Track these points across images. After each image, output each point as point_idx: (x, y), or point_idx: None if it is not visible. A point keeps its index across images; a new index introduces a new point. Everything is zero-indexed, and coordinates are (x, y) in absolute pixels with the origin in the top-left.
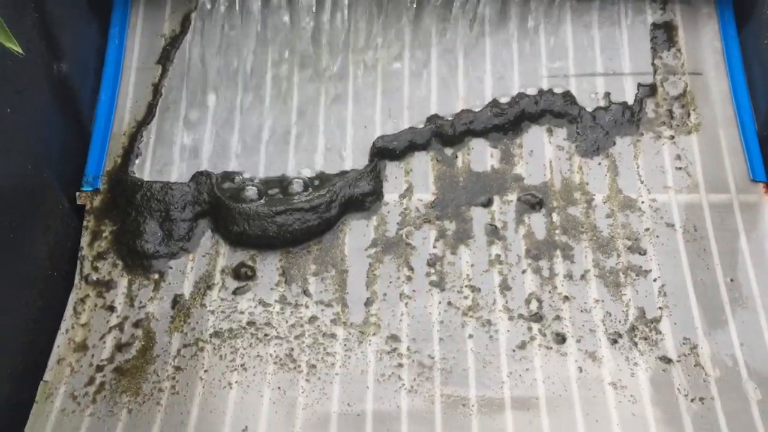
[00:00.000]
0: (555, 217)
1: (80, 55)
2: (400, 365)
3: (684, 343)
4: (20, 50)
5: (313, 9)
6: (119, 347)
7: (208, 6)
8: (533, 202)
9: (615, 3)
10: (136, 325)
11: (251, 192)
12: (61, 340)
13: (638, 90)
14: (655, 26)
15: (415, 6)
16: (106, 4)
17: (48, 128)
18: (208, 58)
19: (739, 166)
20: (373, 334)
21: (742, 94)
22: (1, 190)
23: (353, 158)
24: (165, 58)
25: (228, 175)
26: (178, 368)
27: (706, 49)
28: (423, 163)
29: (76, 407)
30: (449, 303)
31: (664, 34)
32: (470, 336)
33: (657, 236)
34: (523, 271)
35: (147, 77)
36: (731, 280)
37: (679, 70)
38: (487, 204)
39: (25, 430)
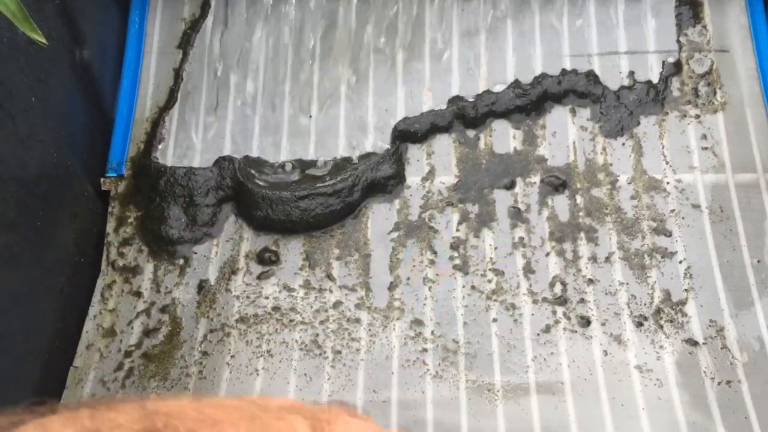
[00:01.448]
0: (579, 198)
1: (101, 41)
2: (425, 350)
3: (710, 326)
4: (44, 40)
5: None
6: (147, 333)
7: None
8: (557, 183)
9: None
10: (163, 310)
11: (274, 176)
12: (89, 325)
13: (663, 68)
14: (680, 2)
15: None
16: None
17: (71, 115)
18: (229, 42)
19: (766, 145)
20: (397, 319)
21: None
22: (28, 178)
23: (375, 141)
24: (185, 43)
25: (250, 160)
26: (204, 353)
27: (732, 26)
28: (445, 146)
29: (105, 392)
30: (473, 287)
31: (690, 11)
32: (494, 320)
33: (683, 217)
34: (547, 254)
35: (168, 62)
36: (758, 261)
37: (705, 47)
38: (510, 186)
39: None
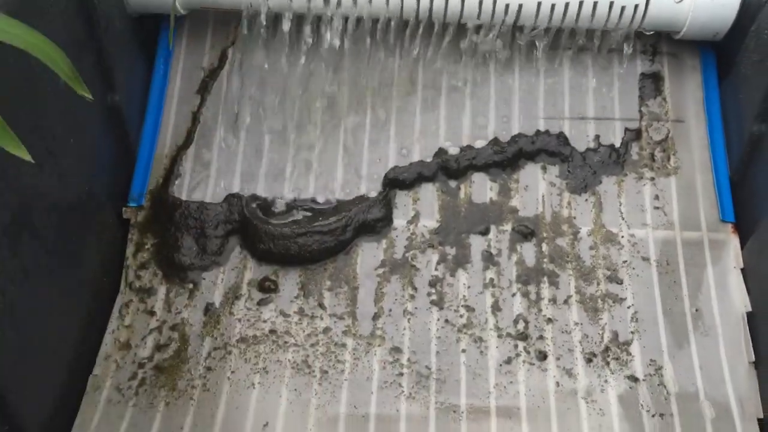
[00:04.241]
0: (544, 246)
1: (129, 87)
2: (401, 374)
3: (650, 365)
4: (90, 96)
5: (336, 53)
6: (158, 347)
7: (245, 42)
8: (526, 232)
9: (609, 53)
10: (173, 328)
11: (276, 214)
12: (108, 339)
13: (625, 134)
14: (644, 76)
15: (429, 50)
16: (153, 40)
17: (101, 153)
18: (242, 90)
19: (711, 207)
20: (379, 346)
21: (718, 142)
22: (64, 208)
23: (367, 187)
24: (203, 89)
25: (256, 198)
26: (208, 368)
27: (688, 99)
28: (429, 194)
29: (120, 398)
30: (446, 320)
31: (652, 84)
32: (463, 351)
33: (633, 268)
34: (513, 295)
35: (187, 106)
36: (696, 310)
37: (663, 117)
38: (485, 233)
39: (77, 416)
